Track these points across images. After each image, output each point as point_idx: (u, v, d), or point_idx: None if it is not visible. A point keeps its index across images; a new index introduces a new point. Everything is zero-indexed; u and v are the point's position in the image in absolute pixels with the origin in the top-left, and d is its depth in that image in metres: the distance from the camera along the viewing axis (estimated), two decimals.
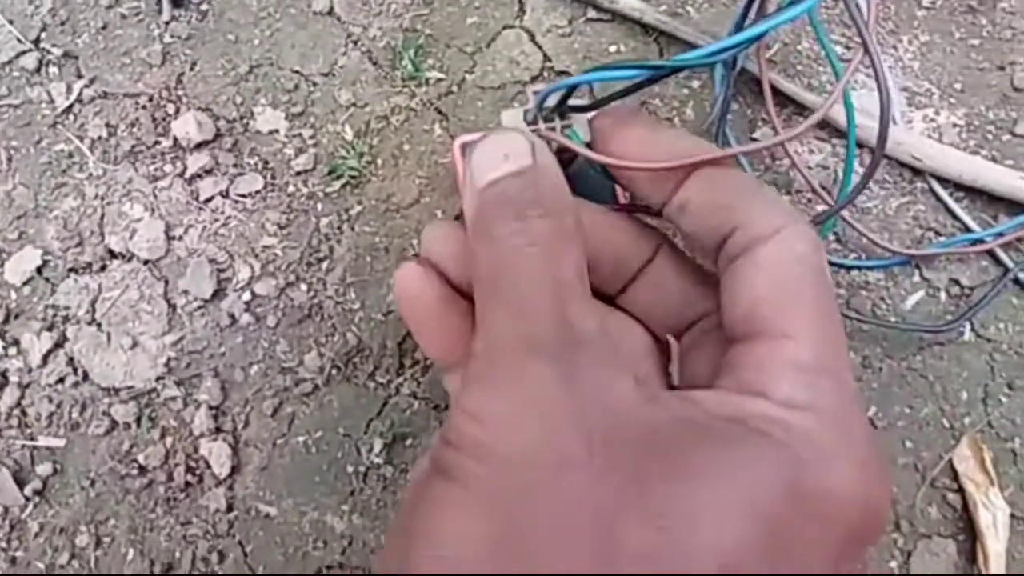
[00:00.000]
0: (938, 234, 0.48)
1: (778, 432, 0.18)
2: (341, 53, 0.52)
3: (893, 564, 0.44)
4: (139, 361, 0.46)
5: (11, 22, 0.52)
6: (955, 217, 0.48)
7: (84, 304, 0.47)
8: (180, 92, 0.51)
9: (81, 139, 0.50)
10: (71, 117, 0.50)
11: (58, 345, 0.47)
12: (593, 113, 0.26)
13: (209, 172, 0.49)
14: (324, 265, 0.48)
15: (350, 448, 0.45)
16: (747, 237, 0.21)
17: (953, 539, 0.44)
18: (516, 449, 0.18)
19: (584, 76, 0.25)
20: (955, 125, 0.49)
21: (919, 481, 0.45)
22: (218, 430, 0.46)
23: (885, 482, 0.20)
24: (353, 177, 0.49)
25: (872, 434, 0.19)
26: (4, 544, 0.45)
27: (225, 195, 0.49)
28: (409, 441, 0.46)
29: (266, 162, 0.49)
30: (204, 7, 0.52)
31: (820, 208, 0.48)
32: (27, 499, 0.45)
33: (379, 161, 0.49)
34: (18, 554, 0.44)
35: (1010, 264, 0.46)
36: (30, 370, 0.46)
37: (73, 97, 0.50)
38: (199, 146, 0.49)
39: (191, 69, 0.51)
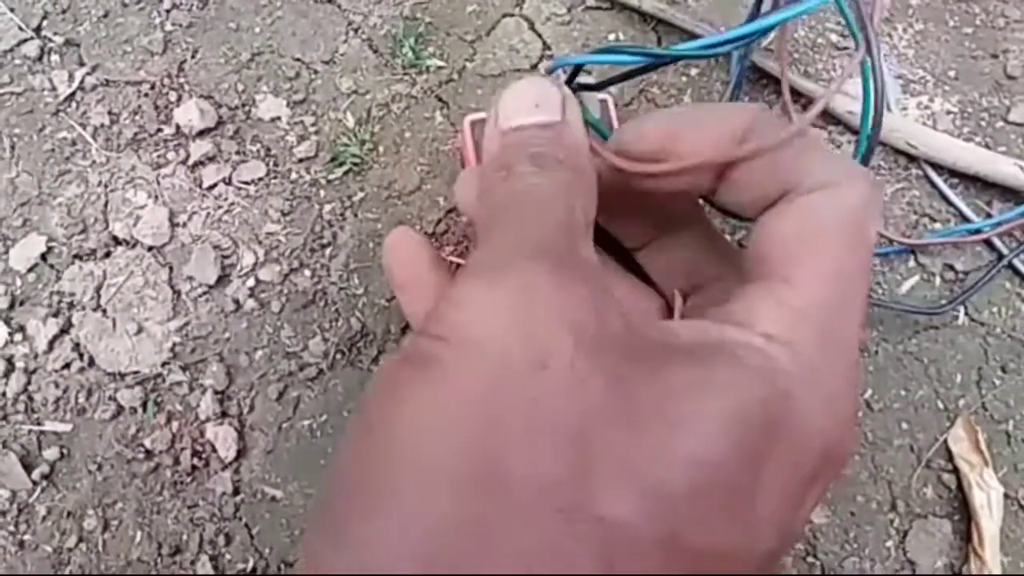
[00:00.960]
0: (933, 220, 0.48)
1: (755, 360, 0.18)
2: (342, 41, 0.52)
3: (889, 544, 0.44)
4: (144, 346, 0.47)
5: (12, 10, 0.52)
6: (949, 203, 0.48)
7: (89, 290, 0.47)
8: (182, 80, 0.51)
9: (84, 127, 0.50)
10: (73, 105, 0.51)
11: (64, 331, 0.47)
12: (604, 94, 0.27)
13: (212, 159, 0.49)
14: (327, 251, 0.48)
15: None
16: (796, 195, 0.20)
17: (948, 519, 0.45)
18: (496, 333, 0.17)
19: (587, 57, 0.25)
20: (949, 112, 0.50)
21: (914, 462, 0.45)
22: (224, 414, 0.46)
23: (849, 427, 0.19)
24: (355, 164, 0.49)
25: (849, 391, 0.19)
26: (12, 528, 0.45)
27: (228, 182, 0.49)
28: None
29: (268, 149, 0.50)
30: None
31: None
32: (35, 483, 0.45)
33: (381, 148, 0.50)
34: (26, 537, 0.45)
35: (1005, 250, 0.47)
36: (36, 356, 0.47)
37: (75, 85, 0.51)
38: (201, 133, 0.49)
39: (193, 57, 0.51)
